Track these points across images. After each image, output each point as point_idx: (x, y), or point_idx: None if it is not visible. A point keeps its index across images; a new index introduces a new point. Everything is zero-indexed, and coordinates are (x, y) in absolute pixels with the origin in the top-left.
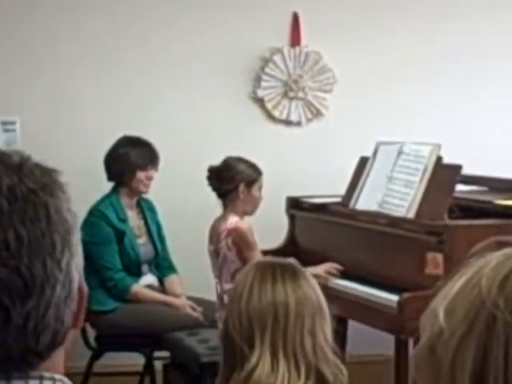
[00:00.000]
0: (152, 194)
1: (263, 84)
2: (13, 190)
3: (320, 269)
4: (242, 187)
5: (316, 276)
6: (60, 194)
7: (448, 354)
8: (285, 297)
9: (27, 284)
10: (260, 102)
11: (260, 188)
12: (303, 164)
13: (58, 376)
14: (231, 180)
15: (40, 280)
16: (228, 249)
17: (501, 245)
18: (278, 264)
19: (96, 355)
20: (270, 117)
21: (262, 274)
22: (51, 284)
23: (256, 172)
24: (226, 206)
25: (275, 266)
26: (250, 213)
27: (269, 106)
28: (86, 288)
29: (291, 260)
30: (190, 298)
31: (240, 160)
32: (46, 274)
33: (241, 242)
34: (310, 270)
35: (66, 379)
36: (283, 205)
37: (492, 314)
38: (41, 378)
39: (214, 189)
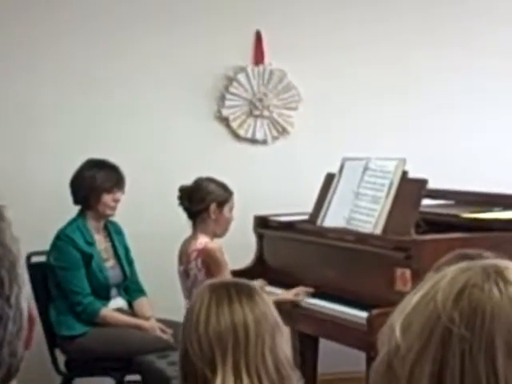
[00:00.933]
0: (119, 216)
1: (228, 103)
2: None
3: (290, 293)
4: (213, 207)
5: (286, 300)
6: (1, 224)
7: (405, 369)
8: (243, 317)
9: None
10: (225, 121)
11: (231, 209)
12: (270, 182)
13: None
14: (202, 200)
15: None
16: (198, 269)
17: (465, 258)
18: (231, 284)
19: (66, 381)
20: (236, 136)
21: (217, 295)
22: (3, 323)
23: (227, 192)
24: (195, 227)
25: (229, 287)
26: (220, 235)
27: (234, 125)
28: (35, 312)
29: (245, 280)
30: (159, 321)
31: (211, 180)
32: None
33: (211, 262)
34: (281, 296)
35: None
36: (250, 224)
37: (448, 328)
38: None
39: (185, 209)
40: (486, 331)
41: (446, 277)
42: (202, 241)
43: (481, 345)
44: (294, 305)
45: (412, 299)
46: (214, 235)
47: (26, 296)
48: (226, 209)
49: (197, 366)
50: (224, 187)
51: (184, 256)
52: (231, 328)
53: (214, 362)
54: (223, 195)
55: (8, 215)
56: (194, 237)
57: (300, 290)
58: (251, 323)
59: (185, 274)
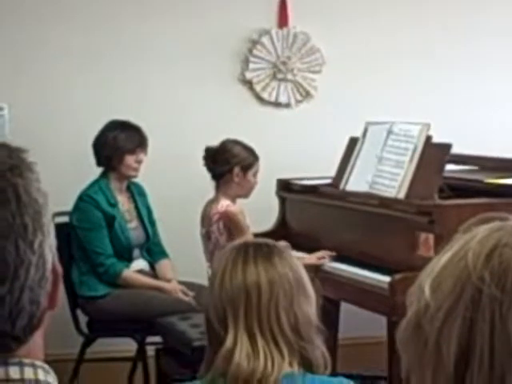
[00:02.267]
0: (142, 178)
1: (251, 66)
2: None
3: (314, 257)
4: (236, 170)
5: (309, 264)
6: (29, 175)
7: (434, 328)
8: (256, 277)
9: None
10: (249, 84)
11: (255, 173)
12: (293, 146)
13: (38, 363)
14: (226, 162)
15: (13, 264)
16: (219, 233)
17: (491, 221)
18: (252, 244)
19: (88, 341)
20: (259, 99)
21: (235, 256)
22: (25, 267)
23: (252, 156)
24: (218, 189)
25: (248, 247)
26: (244, 196)
27: (257, 88)
28: (60, 268)
29: (269, 240)
30: (181, 283)
31: (237, 143)
32: (18, 256)
33: (232, 225)
34: (304, 260)
35: (46, 366)
36: (273, 187)
37: (478, 287)
38: (21, 364)
39: (209, 169)
40: None
41: (476, 236)
42: (224, 204)
43: (511, 304)
44: (317, 268)
45: (441, 259)
46: (237, 197)
47: (50, 247)
48: (250, 173)
49: (215, 326)
50: (250, 151)
51: (206, 219)
52: (243, 288)
53: (226, 322)
54: (248, 159)
55: (37, 171)
56: (215, 199)
57: (323, 253)
58: (264, 283)
59: (207, 237)
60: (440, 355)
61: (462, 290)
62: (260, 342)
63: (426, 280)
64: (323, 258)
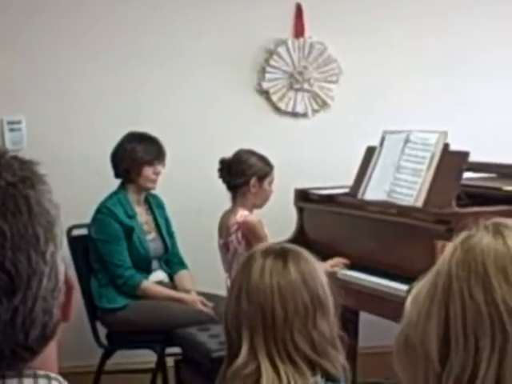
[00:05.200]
0: (160, 190)
1: (268, 76)
2: None
3: (327, 264)
4: (253, 181)
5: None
6: (40, 186)
7: (418, 333)
8: (271, 297)
9: (13, 279)
10: (265, 94)
11: (271, 182)
12: (310, 155)
13: (52, 374)
14: (242, 173)
15: (25, 274)
16: (238, 242)
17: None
18: (270, 252)
19: (107, 353)
20: (276, 109)
21: (249, 267)
22: (37, 277)
23: (268, 166)
24: (235, 199)
25: (267, 254)
26: (260, 206)
27: (274, 98)
28: (73, 280)
29: (285, 248)
30: (200, 294)
31: (252, 153)
32: (31, 267)
33: (250, 235)
34: None
35: (60, 377)
36: (291, 197)
37: (448, 275)
38: (35, 375)
39: (225, 181)
40: (480, 265)
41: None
42: (242, 214)
43: (477, 278)
44: (330, 275)
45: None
46: (254, 207)
47: (63, 258)
48: (265, 182)
49: (232, 337)
50: (265, 160)
51: (224, 229)
52: (259, 309)
53: (240, 338)
54: (264, 169)
55: (49, 182)
56: (233, 210)
57: (337, 261)
58: (279, 309)
59: (225, 248)
60: (427, 356)
61: (435, 288)
62: (281, 368)
63: (408, 300)
64: (336, 265)
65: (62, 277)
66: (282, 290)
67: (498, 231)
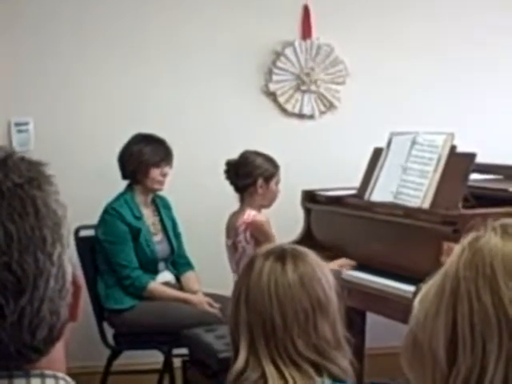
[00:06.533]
0: (167, 191)
1: (275, 78)
2: None
3: (334, 264)
4: (260, 182)
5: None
6: (47, 187)
7: (426, 334)
8: (269, 305)
9: (19, 280)
10: (272, 95)
11: (278, 182)
12: (317, 157)
13: (60, 374)
14: (249, 175)
15: (32, 275)
16: (246, 242)
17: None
18: (271, 253)
19: (114, 354)
20: (283, 110)
21: (252, 274)
22: (44, 278)
23: (274, 166)
24: (243, 200)
25: (268, 256)
26: (267, 206)
27: (281, 99)
28: (80, 279)
29: (287, 250)
30: (207, 295)
31: (258, 154)
32: (38, 268)
33: (259, 234)
34: None
35: (68, 378)
36: (298, 198)
37: (456, 278)
38: (43, 375)
39: (232, 183)
40: (488, 266)
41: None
42: (250, 214)
43: (484, 280)
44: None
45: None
46: (261, 207)
47: (70, 258)
48: (272, 183)
49: (235, 340)
50: (271, 161)
51: (232, 229)
52: (259, 315)
53: (238, 342)
54: (270, 170)
55: (56, 183)
56: (241, 210)
57: (343, 261)
58: (278, 317)
59: (233, 248)
60: (435, 357)
61: (443, 290)
62: (286, 371)
63: (416, 300)
64: (342, 266)
65: (69, 277)
66: (279, 297)
67: (505, 232)
